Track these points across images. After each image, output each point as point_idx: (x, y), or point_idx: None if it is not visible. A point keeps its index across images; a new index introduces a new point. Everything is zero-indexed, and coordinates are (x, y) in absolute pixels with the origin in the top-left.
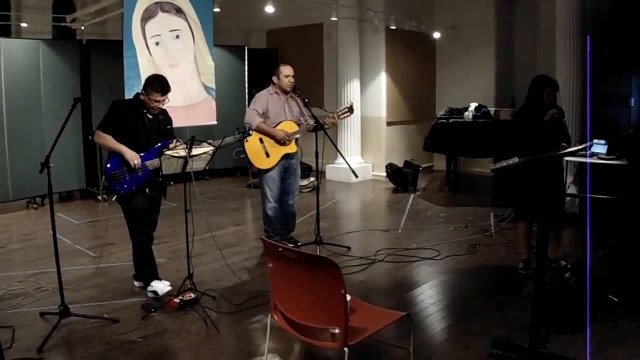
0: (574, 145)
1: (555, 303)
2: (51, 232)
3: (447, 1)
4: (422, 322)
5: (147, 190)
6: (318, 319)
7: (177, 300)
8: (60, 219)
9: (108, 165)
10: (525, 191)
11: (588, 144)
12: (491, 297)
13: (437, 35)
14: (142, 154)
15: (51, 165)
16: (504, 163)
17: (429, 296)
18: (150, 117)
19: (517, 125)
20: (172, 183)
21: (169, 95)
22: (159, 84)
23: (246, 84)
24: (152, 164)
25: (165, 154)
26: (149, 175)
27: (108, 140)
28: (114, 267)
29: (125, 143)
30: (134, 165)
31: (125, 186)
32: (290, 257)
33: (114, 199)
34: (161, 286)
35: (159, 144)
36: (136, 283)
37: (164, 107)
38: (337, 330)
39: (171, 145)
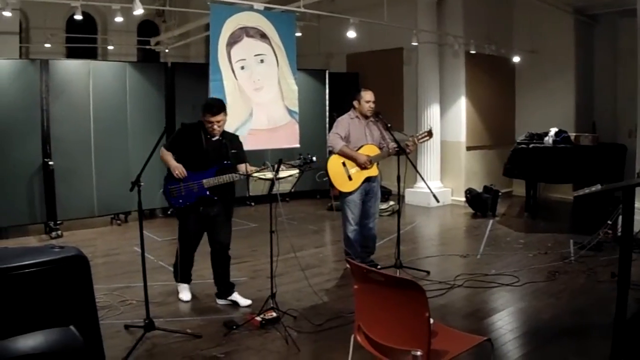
0: None
1: (636, 333)
2: (134, 248)
3: (526, 25)
4: (499, 348)
5: (201, 208)
6: (401, 341)
7: (259, 318)
8: (144, 235)
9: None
10: None
11: None
12: (570, 325)
13: (516, 59)
14: (201, 172)
15: (142, 184)
16: (586, 190)
17: (507, 322)
18: (214, 139)
19: None
20: (253, 204)
21: (254, 117)
22: (208, 106)
23: (327, 108)
24: (208, 182)
25: (253, 176)
26: (204, 193)
27: (166, 156)
28: (196, 284)
29: (185, 162)
30: (177, 174)
31: (181, 201)
32: (376, 279)
33: (169, 212)
34: (185, 292)
35: (220, 166)
36: (219, 301)
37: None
38: (419, 353)
39: (241, 168)
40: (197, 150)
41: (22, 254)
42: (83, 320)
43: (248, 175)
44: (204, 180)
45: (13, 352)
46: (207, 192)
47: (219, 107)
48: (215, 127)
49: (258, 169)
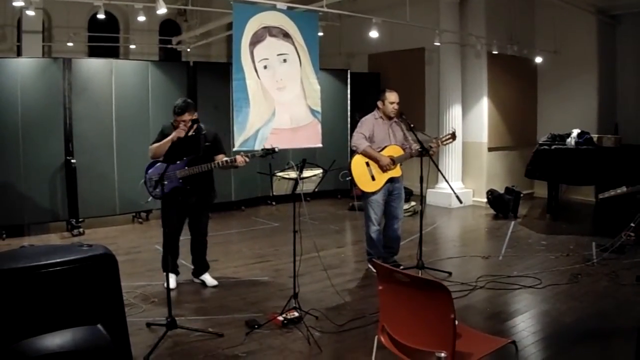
0: None
1: None
2: (156, 246)
3: (548, 26)
4: (521, 351)
5: (179, 198)
6: (426, 342)
7: (280, 318)
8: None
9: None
10: None
11: None
12: (593, 328)
13: (538, 60)
14: (174, 164)
15: (165, 183)
16: (612, 192)
17: (530, 325)
18: (188, 135)
19: None
20: (274, 203)
21: (277, 117)
22: (174, 107)
23: (348, 108)
24: (181, 172)
25: (277, 176)
26: (177, 183)
27: (155, 144)
28: (219, 282)
29: (165, 155)
30: (180, 130)
31: (157, 190)
32: (402, 280)
33: (149, 199)
34: (171, 280)
35: (191, 157)
36: (194, 279)
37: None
38: (443, 354)
39: (217, 159)
40: (172, 145)
41: (51, 252)
42: (110, 318)
43: (221, 167)
44: (177, 172)
45: (41, 350)
46: (180, 182)
47: (182, 107)
48: (182, 126)
49: (229, 158)
